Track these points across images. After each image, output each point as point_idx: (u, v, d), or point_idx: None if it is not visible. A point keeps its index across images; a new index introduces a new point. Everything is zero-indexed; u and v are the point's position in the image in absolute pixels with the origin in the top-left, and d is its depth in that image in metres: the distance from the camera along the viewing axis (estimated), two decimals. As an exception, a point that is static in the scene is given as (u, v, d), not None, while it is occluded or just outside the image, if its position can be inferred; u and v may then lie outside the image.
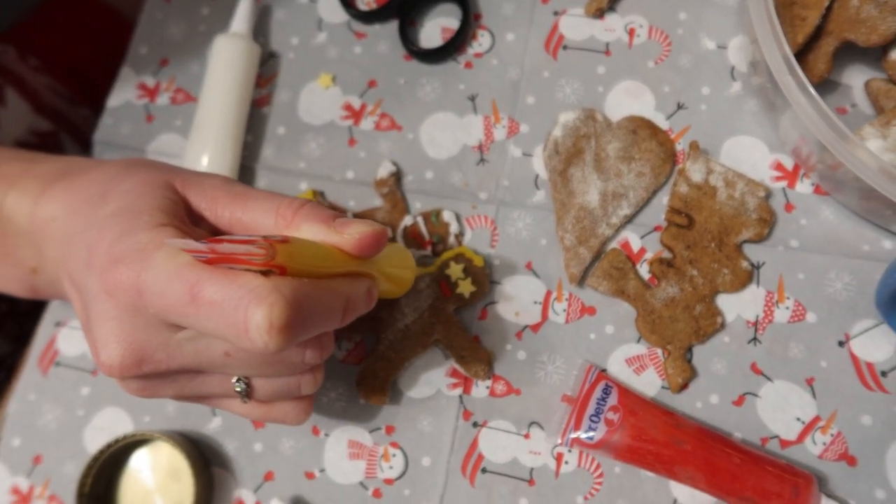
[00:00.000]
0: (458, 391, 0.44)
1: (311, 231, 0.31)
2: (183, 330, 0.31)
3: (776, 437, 0.42)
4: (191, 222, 0.33)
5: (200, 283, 0.27)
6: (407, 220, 0.47)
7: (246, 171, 0.50)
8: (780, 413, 0.42)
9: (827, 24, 0.43)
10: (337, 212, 0.33)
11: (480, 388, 0.44)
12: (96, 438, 0.46)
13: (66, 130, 0.61)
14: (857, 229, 0.44)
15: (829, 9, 0.43)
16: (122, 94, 0.52)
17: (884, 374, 0.42)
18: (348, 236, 0.31)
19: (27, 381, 0.48)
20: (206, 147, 0.48)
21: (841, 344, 0.43)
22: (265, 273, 0.28)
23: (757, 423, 0.42)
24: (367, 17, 0.51)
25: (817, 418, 0.42)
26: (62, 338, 0.48)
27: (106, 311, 0.30)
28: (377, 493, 0.44)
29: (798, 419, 0.42)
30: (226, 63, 0.49)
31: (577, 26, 0.49)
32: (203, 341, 0.31)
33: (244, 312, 0.27)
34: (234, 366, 0.32)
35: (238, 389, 0.33)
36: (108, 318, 0.30)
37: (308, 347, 0.32)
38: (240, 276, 0.27)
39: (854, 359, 0.42)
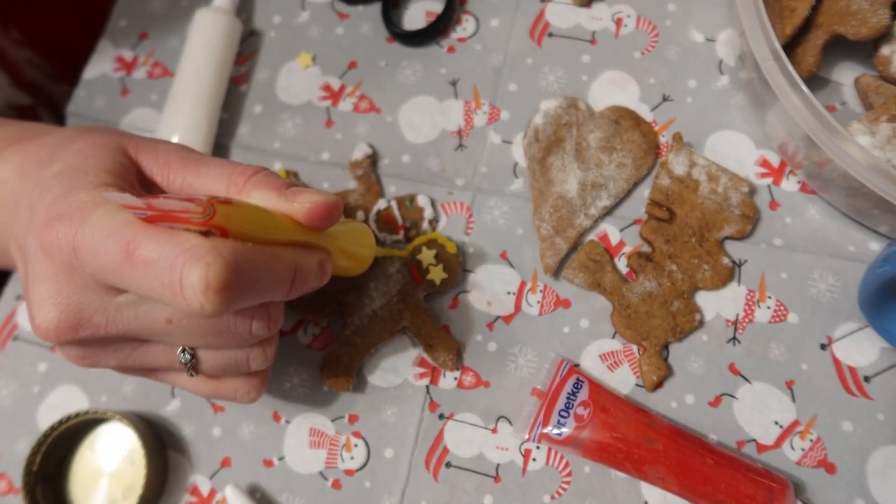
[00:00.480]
0: (426, 381, 0.43)
1: (261, 198, 0.30)
2: (123, 293, 0.29)
3: (753, 440, 0.40)
4: (141, 187, 0.32)
5: (136, 240, 0.26)
6: (381, 204, 0.45)
7: (220, 149, 0.49)
8: (757, 416, 0.40)
9: (817, 16, 0.42)
10: (293, 181, 0.32)
11: (448, 379, 0.43)
12: (50, 416, 0.45)
13: (44, 105, 0.60)
14: (844, 230, 0.43)
15: (819, 1, 0.42)
16: (99, 67, 0.51)
17: (867, 379, 0.40)
18: (299, 205, 0.30)
19: (-16, 355, 0.47)
20: (179, 122, 0.47)
21: (823, 347, 0.41)
22: (205, 234, 0.26)
23: (733, 426, 0.40)
24: (352, -2, 0.50)
25: (796, 423, 0.40)
26: (22, 311, 0.47)
27: (43, 271, 0.29)
28: (337, 484, 0.42)
29: (776, 423, 0.40)
30: (206, 37, 0.48)
31: (563, 14, 0.48)
32: (144, 306, 0.29)
33: (179, 272, 0.25)
34: (177, 334, 0.30)
35: (183, 361, 0.32)
36: (45, 278, 0.29)
37: (254, 318, 0.31)
38: (177, 234, 0.26)
39: (836, 362, 0.41)
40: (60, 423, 0.42)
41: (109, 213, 0.27)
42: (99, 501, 0.43)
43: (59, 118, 0.55)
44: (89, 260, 0.27)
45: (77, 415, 0.42)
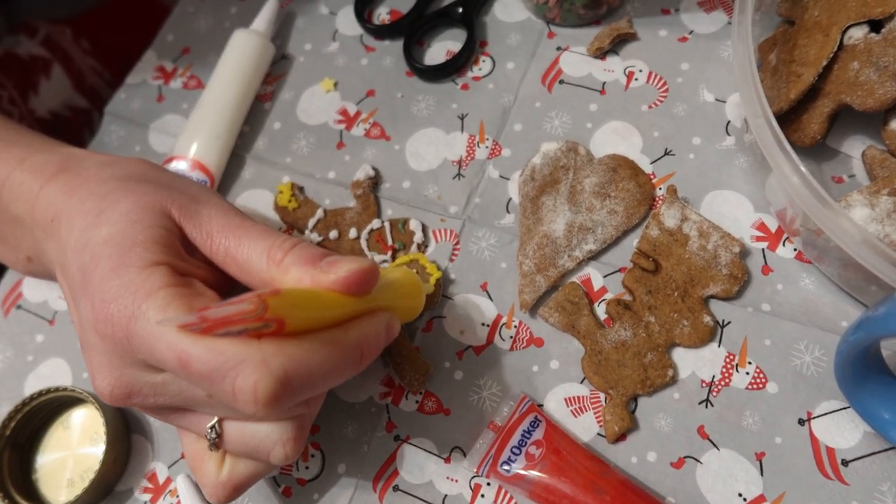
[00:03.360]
0: (387, 401, 0.43)
1: (299, 273, 0.31)
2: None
3: (713, 510, 0.38)
4: (186, 251, 0.34)
5: (188, 353, 0.28)
6: (374, 224, 0.46)
7: (236, 159, 0.51)
8: (720, 485, 0.38)
9: (825, 85, 0.41)
10: (326, 250, 0.33)
11: (409, 402, 0.42)
12: (35, 386, 0.47)
13: (98, 110, 0.65)
14: (837, 303, 0.41)
15: (828, 69, 0.41)
16: (141, 74, 0.55)
17: (845, 462, 0.38)
18: (334, 275, 0.30)
19: (-13, 320, 0.49)
20: (201, 129, 0.49)
21: (801, 422, 0.39)
22: (263, 328, 0.27)
23: (694, 492, 0.38)
24: (379, 33, 0.53)
25: (762, 498, 0.38)
26: (28, 283, 0.50)
27: (96, 344, 0.31)
28: (287, 492, 0.42)
29: (740, 495, 0.38)
30: (239, 55, 0.51)
31: (576, 63, 0.49)
32: (186, 382, 0.31)
33: (231, 384, 0.27)
34: (216, 406, 0.32)
35: (208, 437, 0.33)
36: (98, 352, 0.31)
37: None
38: (228, 346, 0.27)
39: (814, 440, 0.38)
40: (40, 394, 0.43)
41: (160, 309, 0.29)
42: (59, 479, 0.44)
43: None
44: (143, 351, 0.29)
45: (56, 389, 0.44)
